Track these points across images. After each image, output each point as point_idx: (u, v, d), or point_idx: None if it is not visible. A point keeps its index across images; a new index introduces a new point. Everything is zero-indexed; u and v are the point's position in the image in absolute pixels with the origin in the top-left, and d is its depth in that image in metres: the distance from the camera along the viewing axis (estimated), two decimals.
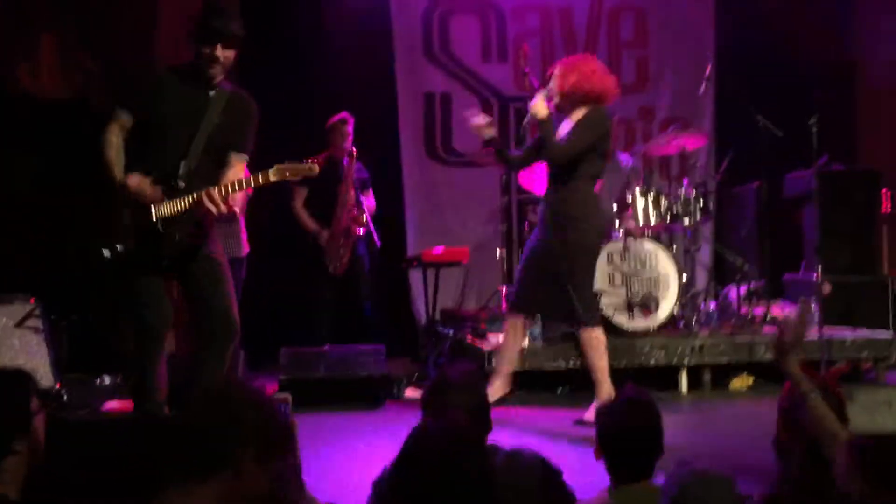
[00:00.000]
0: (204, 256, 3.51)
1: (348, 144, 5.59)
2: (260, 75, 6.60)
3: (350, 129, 5.63)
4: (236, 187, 3.38)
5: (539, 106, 4.37)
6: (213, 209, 3.29)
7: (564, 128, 4.41)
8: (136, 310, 3.48)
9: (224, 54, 3.38)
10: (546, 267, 4.37)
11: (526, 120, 4.66)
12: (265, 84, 6.57)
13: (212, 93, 3.43)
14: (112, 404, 4.51)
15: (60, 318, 4.87)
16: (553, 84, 4.42)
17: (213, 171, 3.43)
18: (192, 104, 3.41)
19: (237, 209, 3.53)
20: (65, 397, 4.62)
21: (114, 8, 5.68)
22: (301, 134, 6.17)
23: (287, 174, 3.39)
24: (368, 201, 5.74)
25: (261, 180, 3.38)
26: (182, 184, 3.36)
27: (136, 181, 3.33)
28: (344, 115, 5.67)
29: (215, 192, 3.30)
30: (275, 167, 3.38)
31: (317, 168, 3.46)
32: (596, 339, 4.43)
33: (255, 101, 3.60)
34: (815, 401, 2.28)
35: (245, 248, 5.58)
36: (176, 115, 3.39)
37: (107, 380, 5.15)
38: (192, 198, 3.32)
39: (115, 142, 3.39)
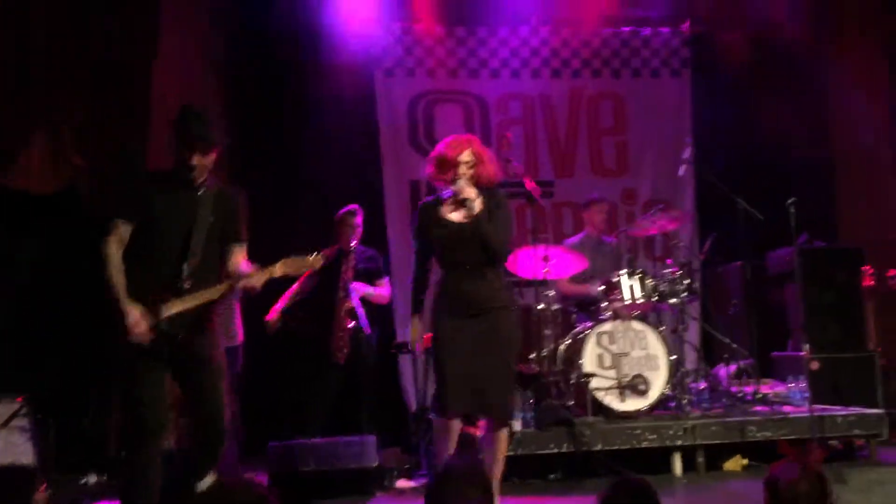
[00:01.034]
0: (204, 361, 3.56)
1: (356, 237, 5.64)
2: (247, 166, 6.78)
3: (359, 220, 5.69)
4: (265, 276, 3.51)
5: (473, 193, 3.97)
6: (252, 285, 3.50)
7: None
8: (135, 409, 3.47)
9: (202, 161, 3.49)
10: (479, 358, 3.90)
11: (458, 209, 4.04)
12: (252, 175, 6.76)
13: (199, 193, 3.54)
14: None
15: (47, 416, 4.82)
16: (471, 171, 3.98)
17: (214, 267, 3.54)
18: (182, 205, 3.50)
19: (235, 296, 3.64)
20: (50, 498, 4.53)
21: (106, 110, 5.81)
22: (288, 224, 6.24)
23: (292, 269, 3.53)
24: (382, 291, 5.78)
25: (266, 276, 3.51)
26: (187, 285, 3.46)
27: (135, 315, 3.39)
28: (353, 207, 5.73)
29: (253, 276, 3.49)
30: (281, 262, 3.52)
31: (321, 261, 3.59)
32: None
33: (241, 190, 3.77)
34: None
35: (240, 337, 5.59)
36: (169, 217, 3.48)
37: (93, 479, 5.07)
38: (201, 296, 3.45)
39: (114, 257, 3.46)
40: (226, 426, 3.57)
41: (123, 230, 3.49)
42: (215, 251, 3.56)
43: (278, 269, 3.50)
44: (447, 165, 4.00)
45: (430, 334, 4.03)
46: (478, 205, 3.95)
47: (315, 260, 3.56)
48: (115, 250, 3.47)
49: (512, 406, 4.07)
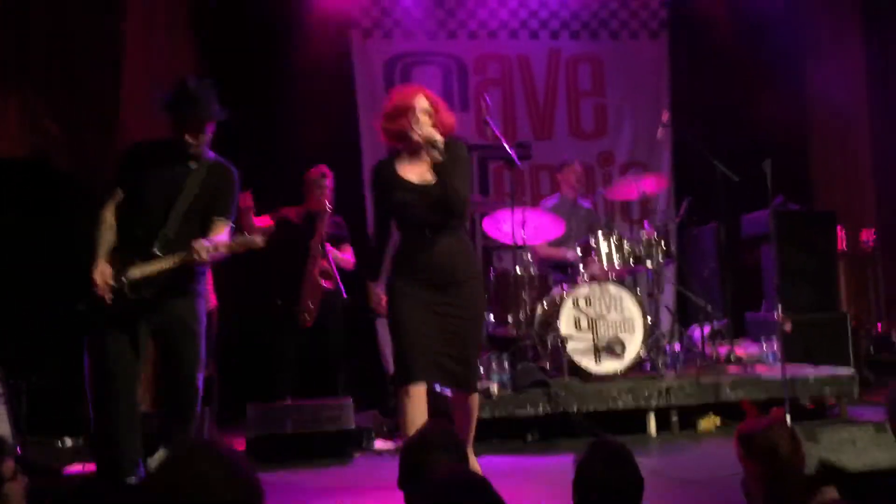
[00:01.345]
0: (181, 325, 3.63)
1: (326, 198, 5.59)
2: (221, 129, 6.69)
3: (329, 182, 5.62)
4: (211, 249, 3.53)
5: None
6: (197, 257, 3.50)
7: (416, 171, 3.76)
8: (101, 364, 3.54)
9: (197, 138, 3.58)
10: (442, 327, 3.69)
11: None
12: (227, 138, 6.67)
13: (192, 164, 3.63)
14: (74, 468, 4.42)
15: (20, 380, 4.78)
16: (429, 118, 3.69)
17: (193, 237, 3.56)
18: (172, 176, 3.60)
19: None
20: (25, 461, 4.51)
21: (77, 73, 5.72)
22: (265, 188, 6.17)
23: (234, 248, 3.59)
24: (346, 256, 5.73)
25: (211, 249, 3.54)
26: (157, 251, 3.55)
27: (99, 271, 3.53)
28: (323, 168, 5.65)
29: (202, 250, 3.50)
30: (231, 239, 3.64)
31: (260, 241, 3.63)
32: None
33: (233, 167, 3.78)
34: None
35: (212, 302, 5.56)
36: (156, 186, 3.59)
37: (69, 442, 5.05)
38: (173, 259, 3.52)
39: (107, 219, 3.62)
40: (198, 392, 3.62)
41: (117, 197, 3.64)
42: (195, 222, 3.62)
43: (223, 248, 3.57)
44: (400, 114, 3.68)
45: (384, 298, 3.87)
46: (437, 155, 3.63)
47: (256, 239, 3.62)
48: (108, 213, 3.63)
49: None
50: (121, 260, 3.56)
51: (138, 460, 3.57)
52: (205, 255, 3.49)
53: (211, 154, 3.72)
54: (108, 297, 3.51)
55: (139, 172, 3.62)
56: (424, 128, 3.65)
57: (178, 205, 3.58)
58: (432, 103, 3.72)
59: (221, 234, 3.65)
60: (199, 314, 3.70)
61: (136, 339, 3.59)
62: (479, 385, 4.06)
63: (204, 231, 3.64)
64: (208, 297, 5.46)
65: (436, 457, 2.36)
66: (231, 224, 3.75)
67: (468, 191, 3.77)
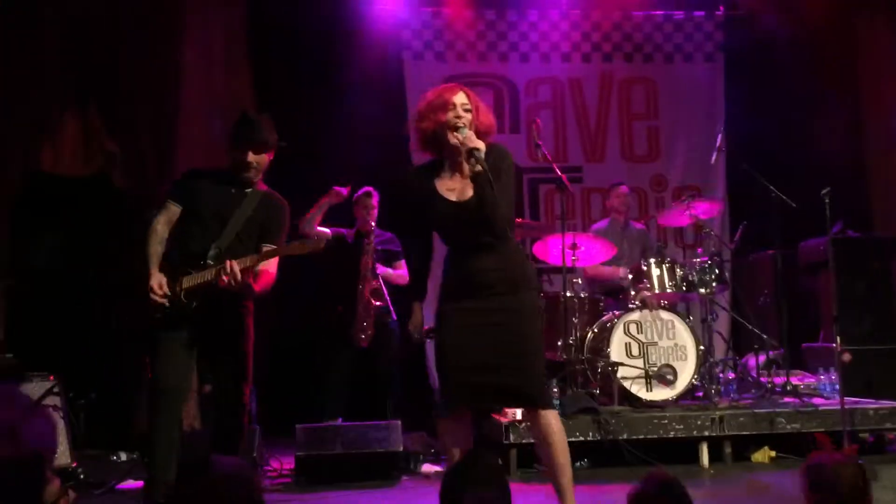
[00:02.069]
0: (230, 348, 3.70)
1: (373, 218, 5.65)
2: (280, 155, 6.79)
3: (374, 202, 5.70)
4: (248, 262, 3.59)
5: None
6: (227, 279, 3.52)
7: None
8: (154, 372, 3.62)
9: (255, 159, 3.70)
10: (493, 343, 3.28)
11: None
12: (280, 159, 6.77)
13: (248, 191, 3.76)
14: (128, 483, 4.49)
15: (78, 395, 4.89)
16: (469, 115, 3.31)
17: (244, 255, 3.65)
18: (228, 198, 3.74)
19: (254, 286, 3.67)
20: (81, 475, 4.60)
21: (137, 98, 5.87)
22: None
23: (296, 250, 3.64)
24: (400, 272, 5.75)
25: (269, 256, 3.64)
26: (211, 262, 3.64)
27: (155, 280, 3.63)
28: (368, 188, 5.76)
29: (235, 263, 3.54)
30: (282, 244, 3.70)
31: (323, 243, 3.69)
32: (559, 425, 3.35)
33: (286, 202, 3.88)
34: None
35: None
36: (213, 206, 3.72)
37: (123, 457, 5.14)
38: (213, 271, 3.58)
39: (159, 231, 3.74)
40: (245, 409, 3.68)
41: (175, 210, 3.76)
42: (248, 245, 3.69)
43: (283, 250, 3.64)
44: (436, 109, 3.28)
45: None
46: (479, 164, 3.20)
47: (320, 241, 3.69)
48: (160, 225, 3.75)
49: (542, 389, 3.35)
50: (175, 272, 3.66)
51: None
52: (233, 277, 3.51)
53: (264, 186, 3.85)
54: (164, 303, 3.60)
55: (196, 190, 3.75)
56: (467, 134, 3.23)
57: (232, 223, 3.69)
58: (472, 101, 3.33)
59: (270, 264, 3.73)
60: (247, 329, 3.74)
61: (190, 353, 3.66)
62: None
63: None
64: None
65: (473, 491, 2.28)
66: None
67: (511, 204, 3.36)
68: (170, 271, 3.66)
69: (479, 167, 3.19)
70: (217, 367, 3.75)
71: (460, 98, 3.29)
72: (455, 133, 3.23)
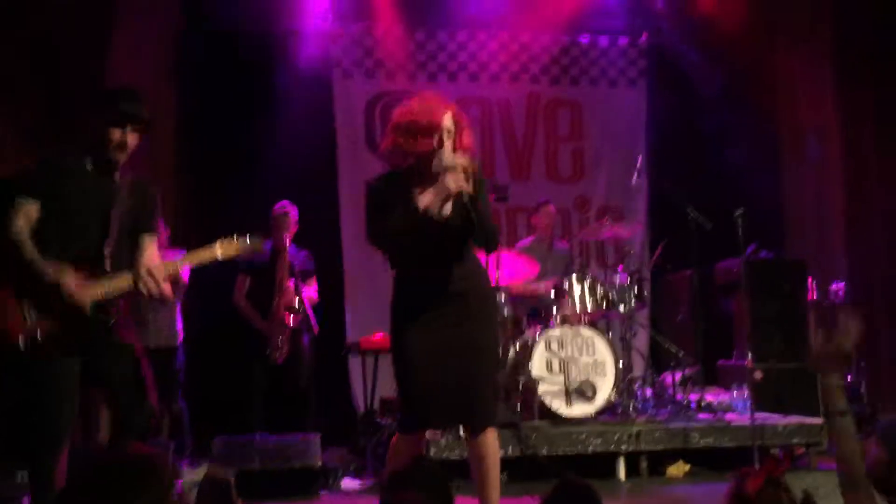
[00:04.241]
0: (122, 350, 3.37)
1: (290, 234, 5.61)
2: (200, 165, 6.71)
3: (292, 218, 5.65)
4: (173, 267, 3.37)
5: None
6: (151, 288, 3.24)
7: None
8: (43, 403, 3.22)
9: (132, 139, 3.31)
10: (460, 362, 3.22)
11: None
12: (205, 174, 6.70)
13: (117, 176, 3.37)
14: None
15: None
16: (450, 141, 3.21)
17: (128, 253, 3.38)
18: (100, 190, 3.33)
19: (169, 293, 3.46)
20: None
21: (65, 106, 5.73)
22: (241, 224, 6.15)
23: (231, 251, 3.39)
24: (310, 291, 5.72)
25: (207, 256, 3.38)
26: (108, 267, 3.28)
27: (71, 281, 3.17)
28: (284, 203, 5.69)
29: (155, 270, 3.25)
30: (218, 243, 3.39)
31: (261, 244, 3.50)
32: (496, 443, 3.33)
33: (155, 184, 3.59)
34: (843, 423, 2.29)
35: (179, 336, 5.55)
36: (86, 198, 3.30)
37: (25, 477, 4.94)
38: (126, 279, 3.25)
39: (25, 233, 3.21)
40: (148, 420, 3.38)
41: (28, 209, 3.23)
42: (129, 240, 3.39)
43: (219, 250, 3.37)
44: (424, 133, 3.16)
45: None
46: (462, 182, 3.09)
47: (259, 242, 3.47)
48: (23, 224, 3.21)
49: (494, 408, 3.33)
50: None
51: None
52: (158, 287, 3.22)
53: (128, 171, 3.44)
54: (88, 290, 3.16)
55: (59, 181, 3.28)
56: (447, 155, 3.11)
57: (114, 218, 3.29)
58: (457, 122, 3.22)
59: (152, 252, 3.43)
60: (136, 339, 3.48)
61: (76, 377, 3.28)
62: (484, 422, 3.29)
63: (133, 250, 3.40)
64: (177, 332, 5.46)
65: (413, 496, 2.29)
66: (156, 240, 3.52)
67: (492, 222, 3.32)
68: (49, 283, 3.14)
69: (464, 191, 3.09)
70: (117, 376, 3.33)
71: (447, 121, 3.18)
72: (448, 170, 3.09)
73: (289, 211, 5.65)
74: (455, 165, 3.10)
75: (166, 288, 3.35)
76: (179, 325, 5.57)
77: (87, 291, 3.20)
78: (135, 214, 3.39)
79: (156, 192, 3.52)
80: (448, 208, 3.19)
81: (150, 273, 3.25)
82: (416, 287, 3.27)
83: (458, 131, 3.23)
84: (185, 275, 5.36)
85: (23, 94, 5.78)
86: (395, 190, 3.25)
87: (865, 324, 2.39)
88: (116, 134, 3.27)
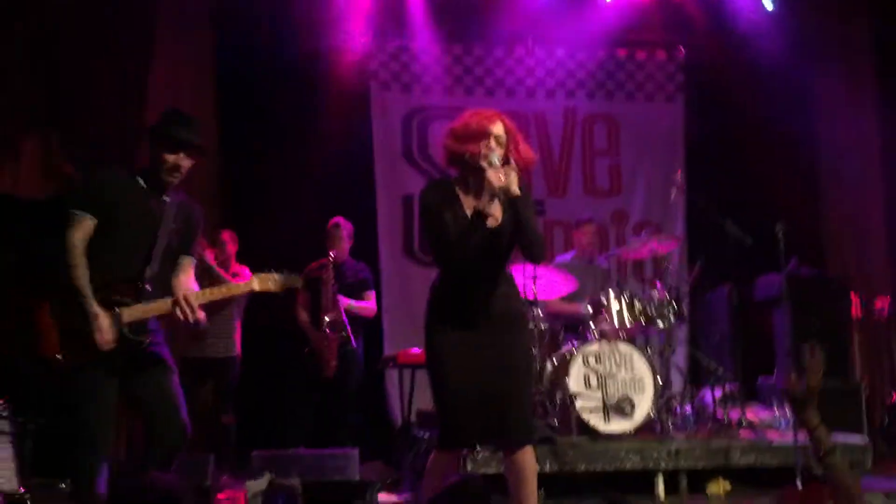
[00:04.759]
0: (158, 362, 3.43)
1: (343, 249, 5.69)
2: (240, 179, 6.79)
3: (343, 233, 5.74)
4: (210, 296, 3.42)
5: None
6: (188, 315, 3.31)
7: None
8: (83, 417, 3.30)
9: (186, 163, 3.40)
10: (499, 377, 3.25)
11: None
12: (245, 189, 6.77)
13: (166, 199, 3.45)
14: None
15: (28, 420, 4.77)
16: (501, 150, 3.26)
17: (169, 275, 3.44)
18: (151, 209, 3.41)
19: (203, 319, 3.49)
20: (28, 502, 4.49)
21: (97, 118, 5.83)
22: (280, 237, 6.23)
23: (270, 285, 3.46)
24: (367, 304, 5.81)
25: (243, 289, 3.50)
26: (149, 288, 3.35)
27: (104, 323, 3.24)
28: (338, 219, 5.79)
29: (192, 297, 3.33)
30: (256, 277, 3.47)
31: (301, 281, 3.56)
32: (534, 461, 3.37)
33: (202, 206, 3.67)
34: (835, 460, 2.26)
35: (237, 347, 5.62)
36: (136, 219, 3.37)
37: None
38: (165, 304, 3.33)
39: (80, 251, 3.27)
40: (181, 436, 3.40)
41: (87, 224, 3.29)
42: (172, 260, 3.46)
43: (256, 284, 3.45)
44: (472, 138, 3.22)
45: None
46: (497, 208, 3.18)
47: (296, 278, 3.52)
48: (80, 242, 3.28)
49: (533, 426, 3.38)
50: (112, 300, 3.28)
51: None
52: (193, 314, 3.29)
53: (178, 192, 3.53)
54: (114, 346, 3.25)
55: (112, 198, 3.34)
56: (509, 176, 3.12)
57: (160, 239, 3.36)
58: (509, 133, 3.28)
59: (190, 275, 3.51)
60: (167, 349, 3.52)
61: (115, 391, 3.37)
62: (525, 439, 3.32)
63: (174, 270, 3.47)
64: (235, 344, 5.54)
65: None
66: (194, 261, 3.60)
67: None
68: (103, 300, 3.24)
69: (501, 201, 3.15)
70: (155, 388, 3.40)
71: (497, 129, 3.24)
72: (490, 168, 3.14)
73: (341, 225, 5.71)
74: (497, 164, 3.14)
75: (201, 315, 3.40)
76: (238, 336, 5.64)
77: (118, 319, 3.26)
78: (180, 236, 3.46)
79: (201, 215, 3.60)
80: (497, 212, 3.21)
81: (186, 299, 3.32)
82: (453, 301, 3.29)
83: (510, 139, 3.27)
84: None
85: (63, 105, 5.89)
86: (444, 195, 3.30)
87: (824, 359, 2.42)
88: (171, 158, 3.36)
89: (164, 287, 3.41)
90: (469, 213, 3.22)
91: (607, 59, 7.73)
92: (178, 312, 3.31)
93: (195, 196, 3.72)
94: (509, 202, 3.19)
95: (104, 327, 3.23)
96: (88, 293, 3.25)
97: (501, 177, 3.13)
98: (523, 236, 3.23)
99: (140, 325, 3.34)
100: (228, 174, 6.77)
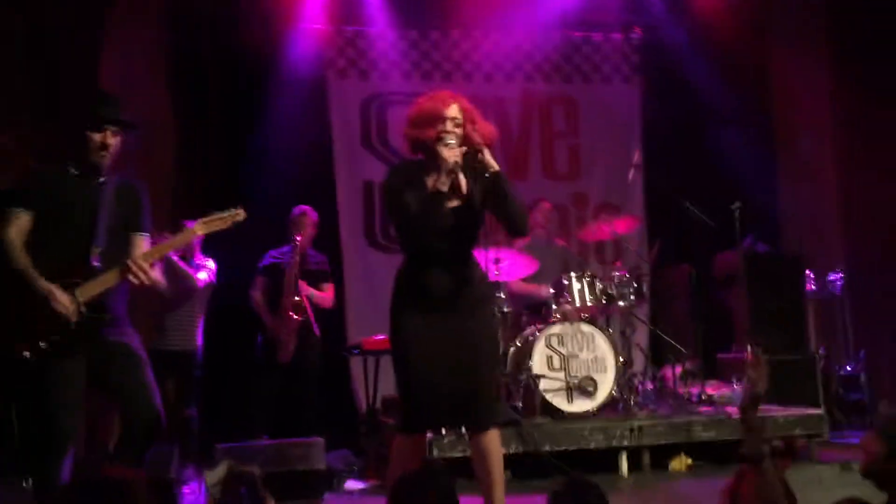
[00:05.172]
0: (128, 352, 3.45)
1: (308, 237, 5.74)
2: (195, 166, 6.71)
3: (309, 220, 5.76)
4: (158, 252, 3.47)
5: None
6: (141, 277, 3.33)
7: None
8: (49, 410, 3.31)
9: (114, 141, 3.44)
10: (463, 362, 3.26)
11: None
12: (200, 175, 6.70)
13: (102, 180, 3.49)
14: None
15: None
16: (458, 130, 3.29)
17: (120, 255, 3.43)
18: (85, 193, 3.45)
19: (159, 278, 3.56)
20: None
21: (60, 110, 5.74)
22: (246, 226, 6.16)
23: (216, 225, 3.50)
24: (325, 295, 5.82)
25: (188, 236, 3.55)
26: (98, 264, 3.38)
27: (58, 293, 3.29)
28: (305, 208, 5.81)
29: (141, 259, 3.36)
30: (199, 221, 3.51)
31: (243, 213, 3.54)
32: (499, 442, 3.39)
33: (144, 183, 3.68)
34: (767, 466, 2.32)
35: (199, 340, 5.59)
36: (73, 205, 3.43)
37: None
38: (113, 274, 3.35)
39: (19, 244, 3.36)
40: (155, 422, 3.41)
41: (22, 219, 3.39)
42: (121, 240, 3.47)
43: (199, 229, 3.48)
44: (427, 123, 3.26)
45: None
46: (463, 181, 3.23)
47: (238, 212, 3.53)
48: (16, 236, 3.37)
49: (496, 408, 3.40)
50: (62, 284, 3.31)
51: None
52: (144, 273, 3.32)
53: (115, 174, 3.57)
54: (70, 319, 3.27)
55: (48, 191, 3.44)
56: (445, 151, 3.20)
57: (102, 221, 3.40)
58: (465, 112, 3.30)
59: (143, 250, 3.51)
60: (137, 339, 3.54)
61: (82, 380, 3.38)
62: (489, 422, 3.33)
63: (127, 249, 3.49)
64: (196, 335, 5.50)
65: (423, 500, 2.31)
66: (149, 238, 3.62)
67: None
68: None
69: (460, 181, 3.22)
70: (127, 378, 3.42)
71: (451, 111, 3.28)
72: (442, 150, 3.21)
73: (308, 213, 5.74)
74: (452, 144, 3.22)
75: (156, 274, 3.47)
76: (199, 329, 5.60)
77: (74, 299, 3.30)
78: (124, 215, 3.49)
79: (143, 192, 3.61)
80: (463, 186, 3.25)
81: (135, 262, 3.35)
82: (418, 285, 3.30)
83: (466, 119, 3.30)
84: (200, 284, 5.42)
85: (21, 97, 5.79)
86: (407, 177, 3.32)
87: (767, 365, 2.50)
88: (97, 137, 3.41)
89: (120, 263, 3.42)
90: (439, 189, 3.26)
91: (564, 42, 7.74)
92: (132, 277, 3.35)
93: (154, 187, 3.72)
94: (485, 178, 3.23)
95: (61, 298, 3.28)
96: (35, 274, 3.31)
97: (457, 153, 3.20)
98: (505, 209, 3.29)
99: (98, 304, 3.35)
100: (187, 164, 6.68)
